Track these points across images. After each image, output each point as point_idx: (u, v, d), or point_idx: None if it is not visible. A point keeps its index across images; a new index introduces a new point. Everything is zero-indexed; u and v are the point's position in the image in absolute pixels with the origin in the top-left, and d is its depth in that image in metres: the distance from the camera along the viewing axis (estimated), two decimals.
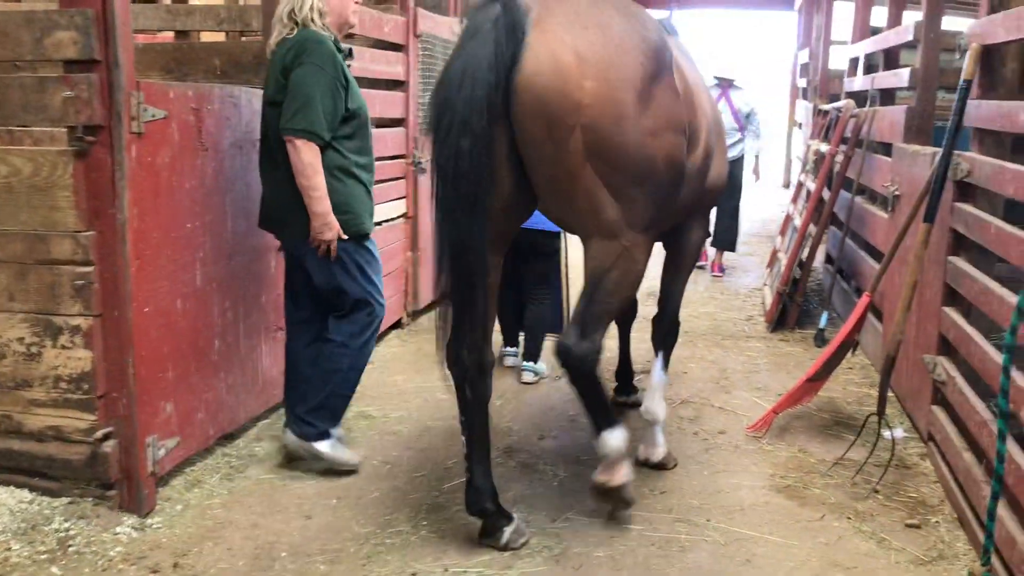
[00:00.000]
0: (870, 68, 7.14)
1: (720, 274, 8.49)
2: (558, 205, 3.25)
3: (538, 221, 4.25)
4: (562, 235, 5.23)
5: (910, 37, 5.38)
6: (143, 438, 3.41)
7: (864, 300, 4.38)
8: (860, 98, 7.10)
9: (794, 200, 8.09)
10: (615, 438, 3.36)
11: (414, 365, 5.47)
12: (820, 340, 6.11)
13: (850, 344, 4.52)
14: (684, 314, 4.62)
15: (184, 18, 5.94)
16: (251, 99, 4.05)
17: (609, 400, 3.64)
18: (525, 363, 5.30)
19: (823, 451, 4.28)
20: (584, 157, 2.97)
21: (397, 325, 6.17)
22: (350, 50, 4.77)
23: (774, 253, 8.06)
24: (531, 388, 5.14)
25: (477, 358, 3.20)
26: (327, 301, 3.86)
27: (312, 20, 3.63)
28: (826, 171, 6.29)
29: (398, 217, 6.00)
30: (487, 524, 3.33)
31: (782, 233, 8.12)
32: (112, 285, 3.28)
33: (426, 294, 6.60)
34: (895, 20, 6.55)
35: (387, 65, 5.66)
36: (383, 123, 5.79)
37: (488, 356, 3.25)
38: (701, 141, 3.51)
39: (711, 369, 5.56)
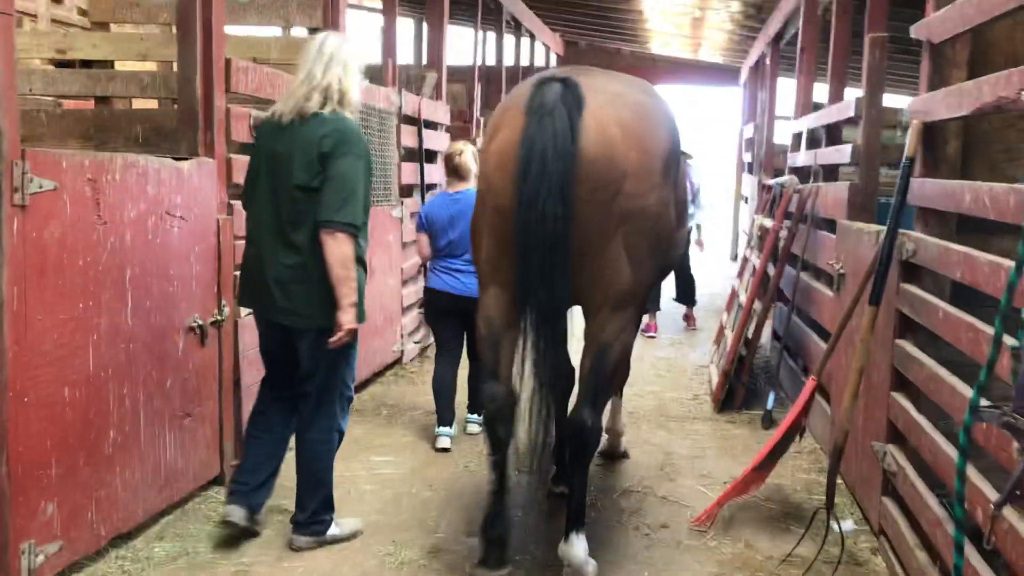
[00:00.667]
0: (813, 143, 7.10)
1: (655, 335, 8.90)
2: (583, 270, 3.34)
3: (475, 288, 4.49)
4: None
5: (851, 113, 5.30)
6: (16, 544, 3.04)
7: (810, 384, 4.17)
8: (804, 173, 7.04)
9: (739, 275, 7.96)
10: (582, 546, 3.49)
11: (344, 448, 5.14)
12: (768, 422, 5.89)
13: (797, 429, 4.30)
14: (629, 392, 4.50)
15: (105, 83, 5.67)
16: (161, 169, 3.78)
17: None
18: (471, 416, 5.53)
19: (771, 546, 4.02)
20: (618, 222, 3.28)
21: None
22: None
23: (721, 329, 7.89)
24: (464, 479, 4.82)
25: (513, 399, 3.48)
26: (301, 384, 3.78)
27: (350, 106, 3.62)
28: (770, 247, 6.16)
29: None
30: (497, 554, 3.50)
31: (728, 309, 7.96)
32: None
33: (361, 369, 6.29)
34: (836, 96, 6.53)
35: None
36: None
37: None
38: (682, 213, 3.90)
39: (655, 454, 5.29)
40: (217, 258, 4.28)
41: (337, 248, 3.48)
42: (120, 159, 3.54)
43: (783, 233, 6.13)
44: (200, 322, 4.12)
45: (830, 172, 6.38)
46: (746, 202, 12.53)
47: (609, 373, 3.45)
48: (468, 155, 5.34)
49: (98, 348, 3.43)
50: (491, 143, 3.47)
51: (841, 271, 4.90)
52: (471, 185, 5.25)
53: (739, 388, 6.27)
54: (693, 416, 6.15)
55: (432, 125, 7.91)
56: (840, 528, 3.85)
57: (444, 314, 5.31)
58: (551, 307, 3.25)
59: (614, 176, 3.24)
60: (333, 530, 3.88)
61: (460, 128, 9.91)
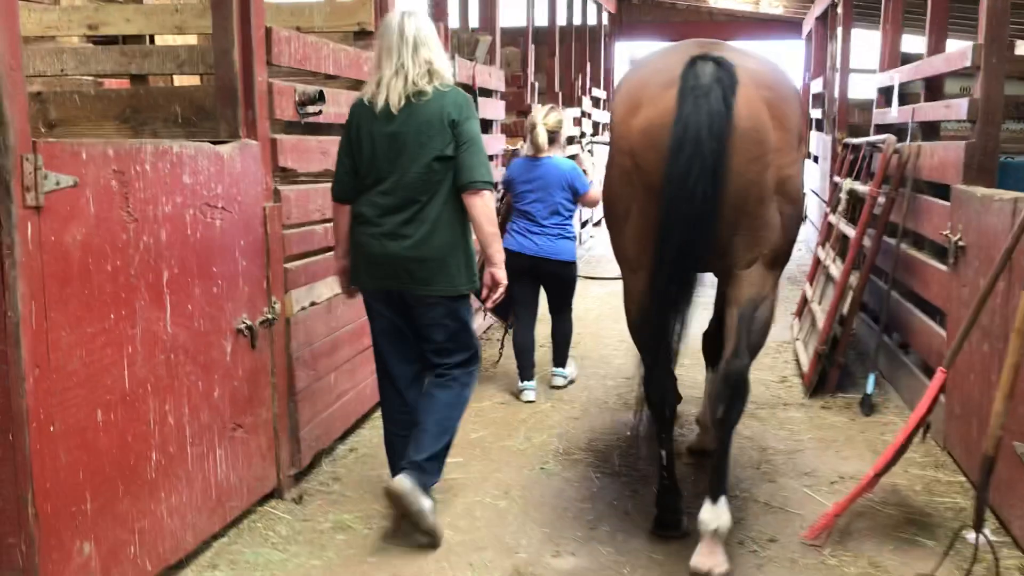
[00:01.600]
0: (905, 98, 6.47)
1: None
2: (742, 235, 3.45)
3: (559, 251, 5.55)
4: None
5: (967, 63, 4.68)
6: None
7: (939, 378, 3.64)
8: (893, 131, 6.42)
9: (822, 243, 7.37)
10: (726, 513, 3.44)
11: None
12: (868, 407, 5.38)
13: (920, 427, 3.78)
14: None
15: (140, 60, 5.26)
16: (198, 155, 3.35)
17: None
18: (555, 369, 5.92)
19: (899, 564, 3.52)
20: (773, 190, 3.42)
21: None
22: (320, 92, 4.11)
23: (804, 301, 7.33)
24: (542, 483, 4.38)
25: (673, 382, 3.66)
26: (436, 355, 3.82)
27: (445, 80, 3.70)
28: (867, 215, 5.57)
29: None
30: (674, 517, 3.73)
31: (811, 279, 7.40)
32: (1, 402, 2.56)
33: None
34: (937, 47, 5.89)
35: None
36: None
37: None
38: None
39: (749, 449, 4.80)
40: (265, 251, 3.86)
41: (484, 206, 3.66)
42: (151, 146, 3.12)
43: (881, 200, 5.54)
44: (249, 323, 3.71)
45: (929, 130, 5.76)
46: (815, 161, 11.82)
47: (762, 327, 3.58)
48: (540, 130, 5.54)
49: (134, 362, 3.02)
50: (633, 119, 3.46)
51: (960, 243, 4.34)
52: (552, 153, 5.63)
53: (832, 370, 5.73)
54: (784, 402, 5.63)
55: (487, 92, 7.42)
56: (981, 538, 3.33)
57: (521, 274, 5.43)
58: (687, 280, 3.37)
59: (765, 151, 3.35)
60: (429, 503, 3.68)
61: (514, 94, 9.39)
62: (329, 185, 4.03)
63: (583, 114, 12.70)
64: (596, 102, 13.95)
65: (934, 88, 5.71)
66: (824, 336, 5.64)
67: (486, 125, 7.27)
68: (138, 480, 3.07)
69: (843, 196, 6.49)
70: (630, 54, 5.71)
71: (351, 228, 3.79)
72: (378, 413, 4.99)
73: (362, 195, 3.75)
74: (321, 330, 4.43)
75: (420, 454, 3.69)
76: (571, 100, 12.52)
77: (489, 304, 3.87)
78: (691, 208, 3.19)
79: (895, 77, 6.47)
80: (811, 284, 7.38)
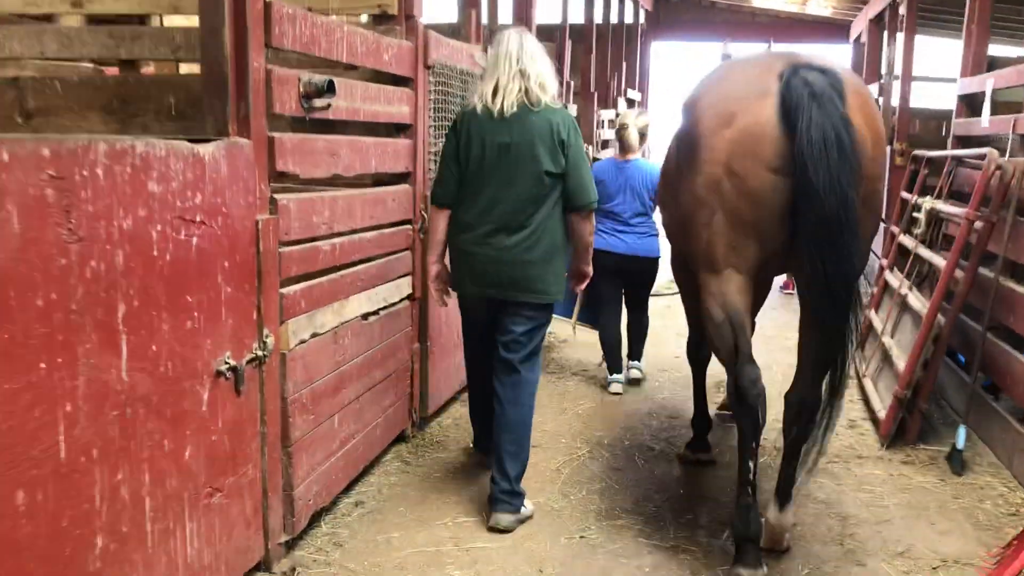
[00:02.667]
0: (995, 108, 5.71)
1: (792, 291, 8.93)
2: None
3: (649, 249, 5.88)
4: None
5: None
6: None
7: None
8: (978, 144, 5.68)
9: (891, 266, 6.62)
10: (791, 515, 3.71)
11: (417, 509, 4.02)
12: (958, 464, 4.64)
13: None
14: (770, 417, 3.47)
15: (130, 43, 4.59)
16: (170, 156, 2.66)
17: None
18: (632, 362, 6.20)
19: None
20: (862, 203, 3.35)
21: (400, 439, 4.75)
22: (330, 83, 3.43)
23: (868, 328, 6.59)
24: (584, 556, 3.67)
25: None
26: (505, 347, 3.98)
27: (552, 96, 3.89)
28: (962, 242, 4.81)
29: (402, 300, 4.58)
30: (754, 553, 3.48)
31: (876, 305, 6.64)
32: None
33: (439, 394, 5.17)
34: None
35: (387, 104, 4.28)
36: (382, 179, 4.41)
37: None
38: None
39: (825, 517, 4.06)
40: (256, 273, 3.17)
41: (589, 225, 4.01)
42: (105, 145, 2.42)
43: (978, 224, 4.78)
44: (233, 363, 3.01)
45: None
46: None
47: (845, 352, 3.57)
48: (632, 131, 5.89)
49: (74, 423, 2.33)
50: (724, 130, 3.40)
51: None
52: (637, 155, 5.97)
53: (914, 418, 4.98)
54: (858, 454, 4.88)
55: None
56: None
57: (608, 272, 5.72)
58: (849, 281, 3.36)
59: (865, 162, 3.33)
60: (528, 505, 3.99)
61: None
62: (339, 192, 3.48)
63: (618, 116, 11.97)
64: (631, 103, 13.19)
65: None
66: (906, 380, 4.89)
67: None
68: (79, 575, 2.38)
69: (921, 216, 5.73)
70: (723, 56, 5.31)
71: (451, 234, 3.99)
72: (388, 458, 4.56)
73: (465, 202, 3.91)
74: (324, 366, 3.73)
75: (506, 480, 3.87)
76: (606, 101, 11.81)
77: (577, 288, 4.28)
78: (847, 213, 3.20)
79: (988, 83, 5.71)
80: (876, 311, 6.63)
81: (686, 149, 3.65)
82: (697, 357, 4.80)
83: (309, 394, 3.59)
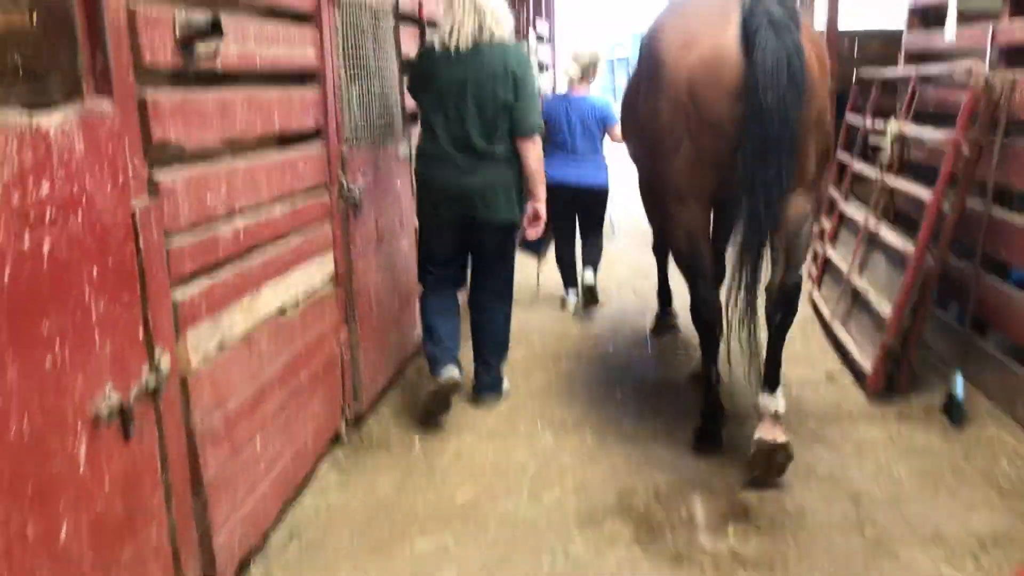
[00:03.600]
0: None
1: None
2: (798, 161, 3.54)
3: (600, 179, 6.11)
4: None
5: None
6: None
7: None
8: (934, 60, 5.19)
9: (846, 195, 6.15)
10: (782, 399, 3.74)
11: (366, 533, 3.36)
12: (958, 414, 4.19)
13: None
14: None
15: None
16: None
17: None
18: (587, 269, 6.31)
19: None
20: (814, 123, 3.56)
21: (335, 442, 4.06)
22: (215, 21, 2.65)
23: (824, 263, 6.15)
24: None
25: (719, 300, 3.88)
26: (487, 268, 4.50)
27: (506, 32, 4.19)
28: (949, 169, 4.31)
29: (324, 282, 3.86)
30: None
31: (832, 239, 6.18)
32: None
33: (375, 384, 4.48)
34: None
35: (289, 47, 3.49)
36: (288, 138, 3.64)
37: None
38: None
39: (836, 498, 3.55)
40: (138, 277, 2.41)
41: (536, 150, 4.25)
42: None
43: (965, 149, 4.28)
44: (118, 401, 2.27)
45: (1019, 58, 4.52)
46: None
47: (807, 240, 3.77)
48: (578, 66, 6.05)
49: None
50: (688, 54, 3.53)
51: None
52: (587, 89, 6.16)
53: (903, 368, 4.52)
54: (848, 411, 4.41)
55: (435, 24, 5.91)
56: None
57: (562, 203, 5.88)
58: (780, 197, 3.49)
59: (813, 86, 3.47)
60: (504, 385, 4.70)
61: None
62: (239, 161, 2.96)
63: (528, 51, 11.25)
64: (540, 39, 12.43)
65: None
66: (894, 328, 4.41)
67: None
68: None
69: (886, 142, 5.22)
70: None
71: (420, 165, 4.35)
72: (322, 470, 3.92)
73: (429, 136, 4.25)
74: (239, 379, 3.00)
75: (490, 368, 4.61)
76: (516, 35, 11.05)
77: (531, 235, 4.44)
78: (788, 133, 3.37)
79: None
80: (832, 245, 6.17)
81: (649, 76, 3.80)
82: (660, 251, 5.60)
83: (222, 420, 2.87)
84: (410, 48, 5.02)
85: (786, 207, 3.60)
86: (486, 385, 4.59)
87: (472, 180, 4.18)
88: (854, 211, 5.83)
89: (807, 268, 6.29)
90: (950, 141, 4.29)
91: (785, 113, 3.33)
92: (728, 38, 3.44)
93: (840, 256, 5.92)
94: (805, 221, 3.72)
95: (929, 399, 4.46)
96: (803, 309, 5.80)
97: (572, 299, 6.37)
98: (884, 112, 6.06)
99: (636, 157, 4.62)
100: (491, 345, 4.58)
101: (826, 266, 6.23)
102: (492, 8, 4.11)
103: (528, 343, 5.56)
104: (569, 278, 6.41)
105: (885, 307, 4.60)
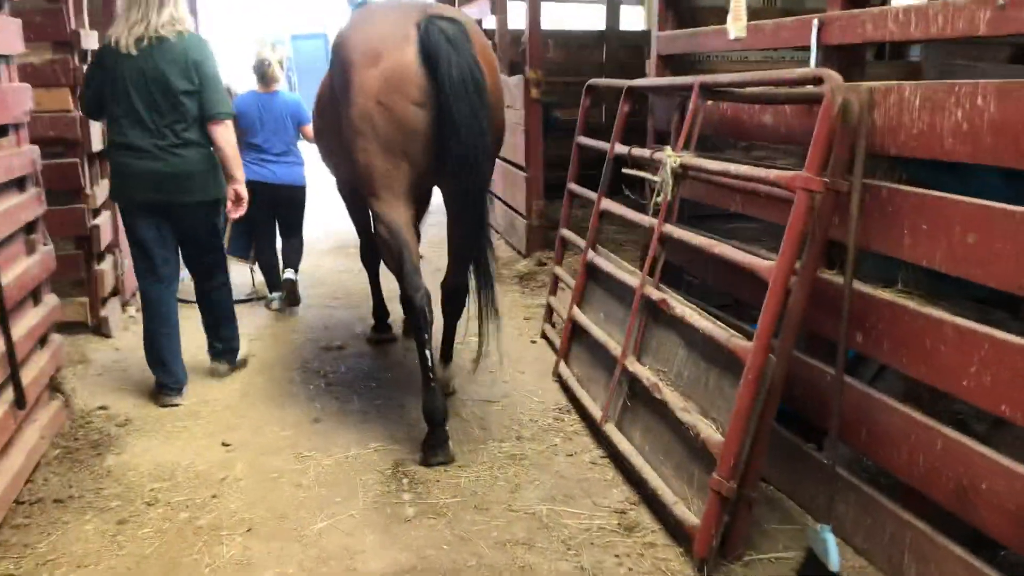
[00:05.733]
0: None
1: None
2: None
3: (296, 177, 6.26)
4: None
5: None
6: None
7: None
8: (683, 64, 3.86)
9: (593, 244, 4.73)
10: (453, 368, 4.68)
11: None
12: None
13: None
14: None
15: None
16: None
17: None
18: (288, 270, 6.40)
19: None
20: (492, 129, 4.02)
21: None
22: None
23: (571, 329, 4.69)
24: None
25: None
26: (198, 253, 4.72)
27: (186, 25, 4.39)
28: (802, 227, 2.89)
29: None
30: (440, 435, 3.95)
31: (578, 300, 4.73)
32: None
33: None
34: None
35: None
36: None
37: None
38: None
39: None
40: None
41: (228, 133, 4.49)
42: None
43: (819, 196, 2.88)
44: None
45: (852, 61, 3.24)
46: None
47: (486, 246, 4.16)
48: (276, 66, 6.17)
49: None
50: (372, 68, 3.85)
51: None
52: (279, 88, 6.28)
53: (740, 517, 3.08)
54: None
55: None
56: None
57: (260, 202, 5.69)
58: (483, 192, 4.00)
59: (489, 96, 3.94)
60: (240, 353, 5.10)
61: (46, 15, 5.51)
62: None
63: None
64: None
65: None
66: (730, 465, 2.93)
67: None
68: None
69: (664, 178, 3.77)
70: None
71: (112, 153, 4.50)
72: None
73: (118, 123, 4.41)
74: None
75: (226, 340, 4.98)
76: None
77: (234, 215, 4.65)
78: (483, 140, 3.83)
79: None
80: (578, 306, 4.73)
81: (340, 85, 4.06)
82: (369, 261, 5.64)
83: None
84: None
85: (461, 211, 4.12)
86: (222, 351, 5.00)
87: (166, 166, 4.38)
88: (612, 266, 4.39)
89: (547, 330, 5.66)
90: (796, 184, 2.88)
91: (479, 122, 3.80)
92: (408, 54, 3.83)
93: (595, 322, 4.47)
94: (479, 224, 4.08)
95: (775, 557, 3.07)
96: (548, 391, 4.50)
97: (276, 303, 6.42)
98: (637, 134, 4.73)
99: (331, 160, 4.95)
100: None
101: (573, 334, 4.77)
102: (169, 12, 4.31)
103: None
104: (276, 281, 6.43)
105: (702, 424, 3.14)
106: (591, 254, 4.71)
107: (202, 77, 4.33)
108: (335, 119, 4.22)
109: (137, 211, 4.47)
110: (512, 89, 7.83)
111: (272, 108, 6.12)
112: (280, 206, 6.26)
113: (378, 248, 4.26)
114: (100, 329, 5.68)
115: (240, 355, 5.08)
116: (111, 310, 5.78)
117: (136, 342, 4.91)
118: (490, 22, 9.88)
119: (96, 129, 5.63)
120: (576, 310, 4.75)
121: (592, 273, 4.73)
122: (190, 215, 4.51)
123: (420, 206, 5.00)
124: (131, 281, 6.44)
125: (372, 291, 5.67)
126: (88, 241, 5.55)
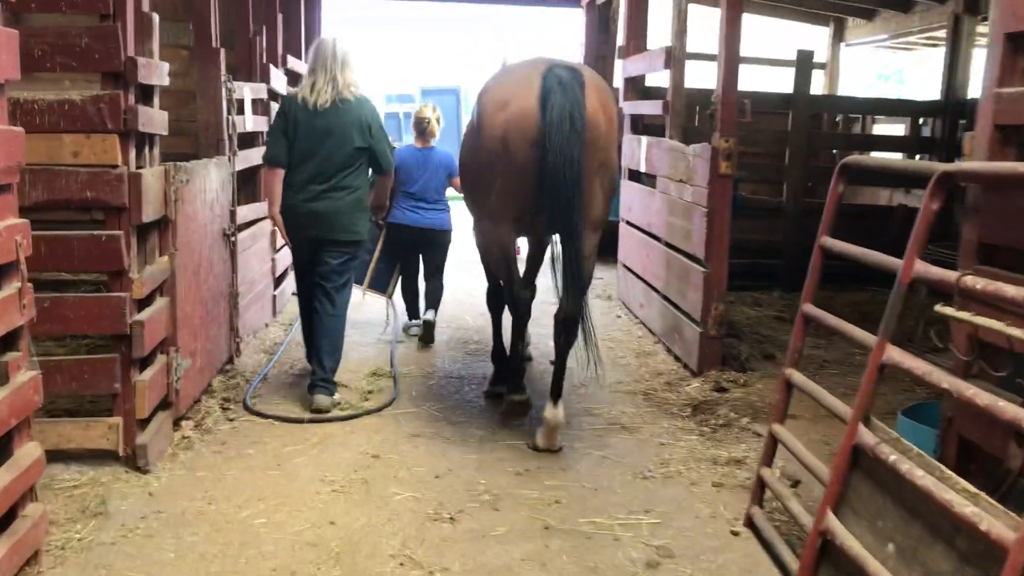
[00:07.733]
0: None
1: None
2: (585, 197, 4.54)
3: (442, 222, 6.92)
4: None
5: None
6: None
7: None
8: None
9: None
10: (562, 411, 4.76)
11: None
12: None
13: None
14: None
15: None
16: None
17: None
18: (428, 310, 7.00)
19: None
20: (601, 166, 4.65)
21: None
22: None
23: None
24: None
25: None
26: (324, 276, 5.30)
27: (360, 89, 5.33)
28: None
29: None
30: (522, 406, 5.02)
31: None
32: None
33: None
34: None
35: None
36: None
37: None
38: None
39: None
40: None
41: (387, 181, 5.65)
42: None
43: None
44: None
45: None
46: (630, 178, 7.75)
47: (588, 278, 4.80)
48: (434, 123, 6.95)
49: None
50: (501, 113, 4.59)
51: None
52: (435, 143, 7.01)
53: None
54: None
55: None
56: None
57: (408, 243, 6.94)
58: (574, 221, 4.48)
59: (597, 135, 4.54)
60: (337, 394, 5.39)
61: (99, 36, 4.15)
62: None
63: (270, 94, 7.65)
64: (294, 78, 8.77)
65: None
66: None
67: None
68: None
69: None
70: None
71: (285, 194, 5.19)
72: None
73: (294, 169, 5.16)
74: None
75: (324, 371, 5.26)
76: (249, 71, 7.42)
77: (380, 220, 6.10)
78: (572, 168, 4.34)
79: None
80: (834, 509, 2.94)
81: (476, 128, 4.87)
82: (493, 304, 5.74)
83: None
84: None
85: (575, 245, 4.53)
86: (321, 383, 5.31)
87: (327, 206, 5.16)
88: (922, 471, 2.60)
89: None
90: None
91: (569, 153, 4.33)
92: (530, 99, 4.48)
93: (873, 550, 2.67)
94: (590, 258, 4.76)
95: None
96: None
97: (415, 330, 7.05)
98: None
99: (469, 198, 5.38)
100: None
101: (823, 557, 2.98)
102: (348, 78, 5.17)
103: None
104: (415, 309, 7.19)
105: None
106: (865, 434, 2.92)
107: (374, 135, 5.20)
108: (471, 162, 5.03)
109: (300, 242, 5.34)
110: (690, 159, 6.16)
111: (429, 162, 6.83)
112: (427, 247, 6.97)
113: (489, 263, 5.32)
114: (135, 461, 4.17)
115: (339, 396, 5.39)
116: (153, 434, 4.27)
117: (182, 484, 3.42)
118: (656, 78, 8.35)
119: (153, 193, 4.21)
120: (833, 520, 2.96)
121: (866, 465, 2.94)
122: (332, 247, 5.24)
123: (537, 248, 5.50)
124: (193, 388, 4.96)
125: (493, 334, 5.82)
126: (128, 342, 4.08)
